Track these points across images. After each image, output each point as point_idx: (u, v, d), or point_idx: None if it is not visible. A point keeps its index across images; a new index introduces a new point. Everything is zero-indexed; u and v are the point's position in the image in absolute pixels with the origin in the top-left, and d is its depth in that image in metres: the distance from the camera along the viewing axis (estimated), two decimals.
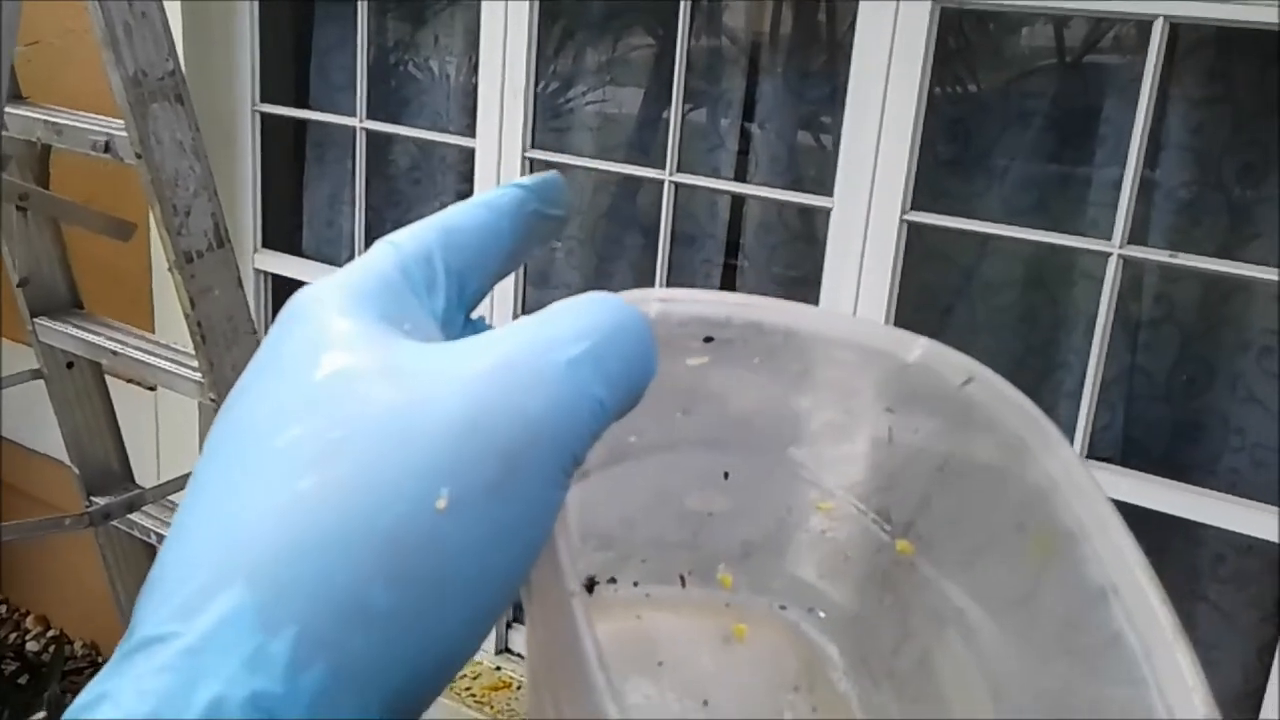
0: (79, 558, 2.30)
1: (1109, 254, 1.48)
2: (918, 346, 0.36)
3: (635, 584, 0.39)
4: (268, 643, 0.22)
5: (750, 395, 0.37)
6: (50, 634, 2.64)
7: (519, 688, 2.02)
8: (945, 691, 0.38)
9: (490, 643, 2.07)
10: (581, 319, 0.26)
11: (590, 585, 0.38)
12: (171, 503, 1.73)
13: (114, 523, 1.70)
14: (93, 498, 1.74)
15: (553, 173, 0.32)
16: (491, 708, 1.98)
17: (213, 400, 1.47)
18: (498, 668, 2.07)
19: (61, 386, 1.75)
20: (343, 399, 0.25)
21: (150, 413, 2.32)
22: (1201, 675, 0.31)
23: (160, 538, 1.65)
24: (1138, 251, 1.48)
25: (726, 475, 0.39)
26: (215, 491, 0.24)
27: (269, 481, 0.24)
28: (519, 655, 2.10)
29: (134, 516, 1.70)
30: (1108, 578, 0.33)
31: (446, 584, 0.23)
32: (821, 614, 0.41)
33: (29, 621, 2.70)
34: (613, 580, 0.39)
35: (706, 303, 0.34)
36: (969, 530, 0.38)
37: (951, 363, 0.36)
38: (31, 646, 2.55)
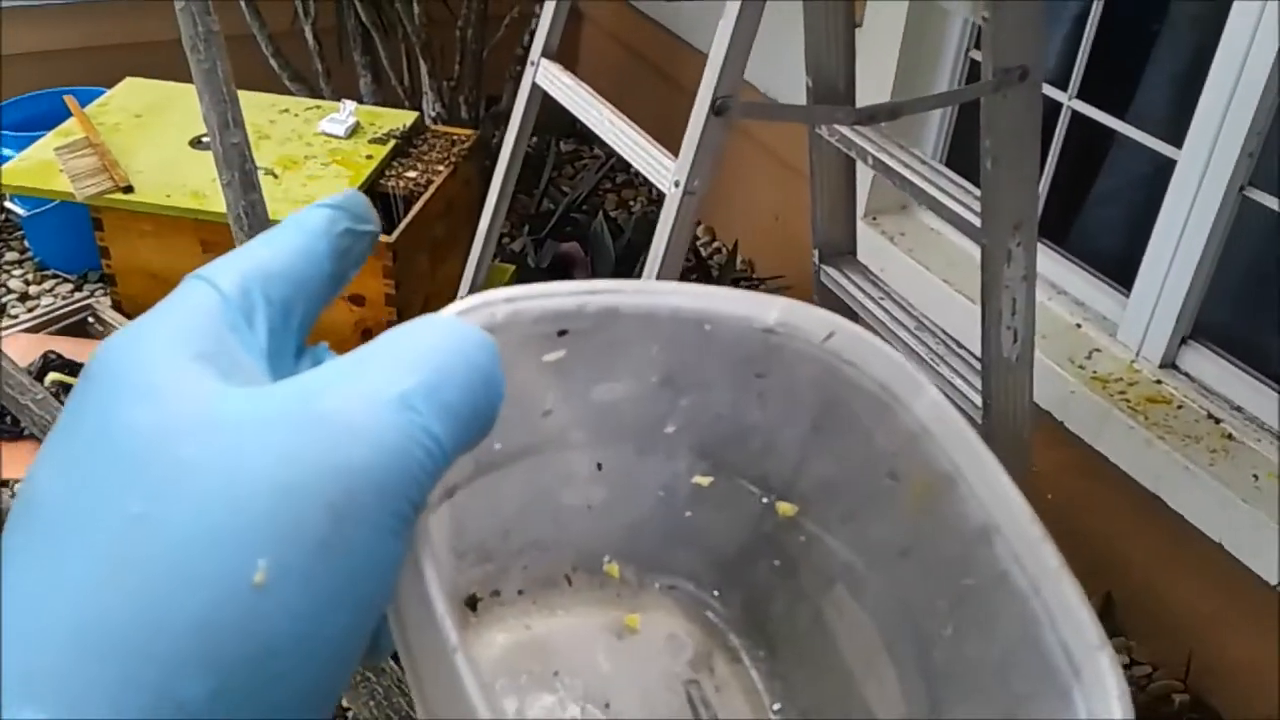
0: (749, 180, 2.42)
1: None
2: (775, 308, 0.35)
3: (520, 592, 0.38)
4: None
5: (613, 382, 0.36)
6: (715, 244, 2.76)
7: None
8: (841, 648, 0.38)
9: None
10: (409, 350, 0.24)
11: (473, 603, 0.37)
12: None
13: None
14: None
15: (352, 190, 0.30)
16: None
17: None
18: None
19: None
20: (146, 463, 0.22)
21: None
22: (1089, 605, 0.31)
23: None
24: None
25: (600, 466, 0.38)
26: (16, 576, 0.21)
27: (60, 569, 0.21)
28: None
29: None
30: (989, 517, 0.33)
31: (272, 661, 0.21)
32: (714, 591, 0.40)
33: (699, 230, 2.86)
34: (496, 593, 0.38)
35: (557, 295, 0.33)
36: (847, 484, 0.37)
37: (812, 319, 0.35)
38: (700, 252, 2.68)
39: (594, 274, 2.40)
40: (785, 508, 0.39)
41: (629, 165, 1.45)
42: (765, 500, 0.39)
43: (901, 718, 0.36)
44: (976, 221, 1.38)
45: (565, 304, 0.33)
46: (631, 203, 3.13)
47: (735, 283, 2.54)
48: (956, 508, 0.34)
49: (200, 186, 1.79)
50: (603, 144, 1.38)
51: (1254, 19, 1.68)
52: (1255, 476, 1.74)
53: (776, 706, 0.39)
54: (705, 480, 0.39)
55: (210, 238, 1.82)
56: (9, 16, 2.62)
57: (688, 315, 0.35)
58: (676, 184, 1.18)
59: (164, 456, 0.22)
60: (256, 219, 1.17)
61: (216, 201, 1.43)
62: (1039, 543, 0.32)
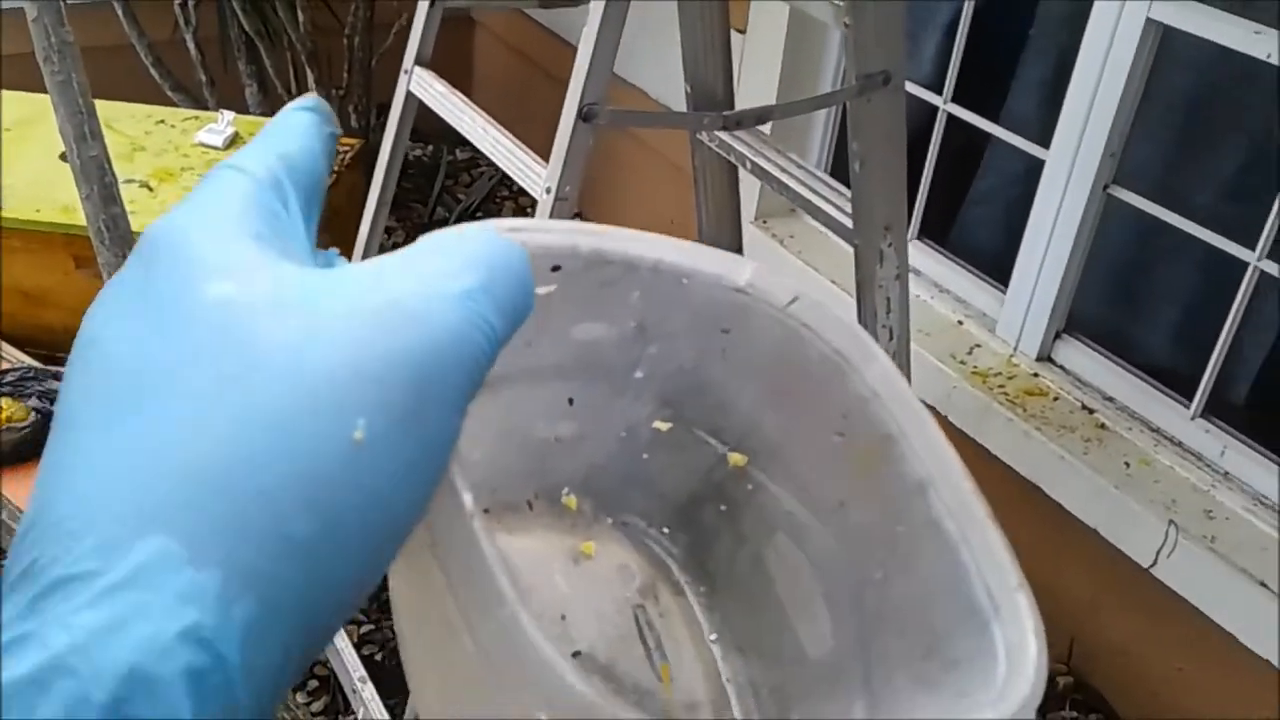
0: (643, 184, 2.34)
1: None
2: (748, 269, 0.37)
3: (486, 510, 0.40)
4: (197, 577, 0.21)
5: (593, 323, 0.37)
6: None
7: None
8: (778, 589, 0.40)
9: None
10: (469, 253, 0.26)
11: None
12: None
13: None
14: None
15: (315, 95, 0.31)
16: None
17: None
18: None
19: None
20: (234, 332, 0.24)
21: None
22: (1011, 551, 0.34)
23: None
24: None
25: (571, 402, 0.39)
26: (101, 429, 0.23)
27: (167, 416, 0.23)
28: None
29: None
30: (925, 472, 0.36)
31: (365, 511, 0.23)
32: (663, 529, 0.43)
33: None
34: None
35: (554, 232, 0.35)
36: (796, 439, 0.40)
37: (779, 284, 0.37)
38: None
39: None
40: (736, 458, 0.41)
41: None
42: (719, 449, 0.41)
43: (831, 651, 0.38)
44: (849, 223, 1.42)
45: (560, 241, 0.34)
46: (529, 209, 3.12)
47: None
48: (896, 465, 0.36)
49: (71, 201, 1.73)
50: None
51: (1111, 24, 1.75)
52: (1127, 464, 1.81)
53: (713, 636, 0.41)
54: (665, 426, 0.41)
55: (83, 253, 1.77)
56: None
57: (668, 268, 0.37)
58: (548, 190, 1.18)
59: (255, 328, 0.24)
60: (118, 233, 1.15)
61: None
62: (970, 495, 0.35)
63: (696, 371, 0.40)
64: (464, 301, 0.25)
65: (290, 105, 0.30)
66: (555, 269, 0.34)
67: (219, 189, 0.27)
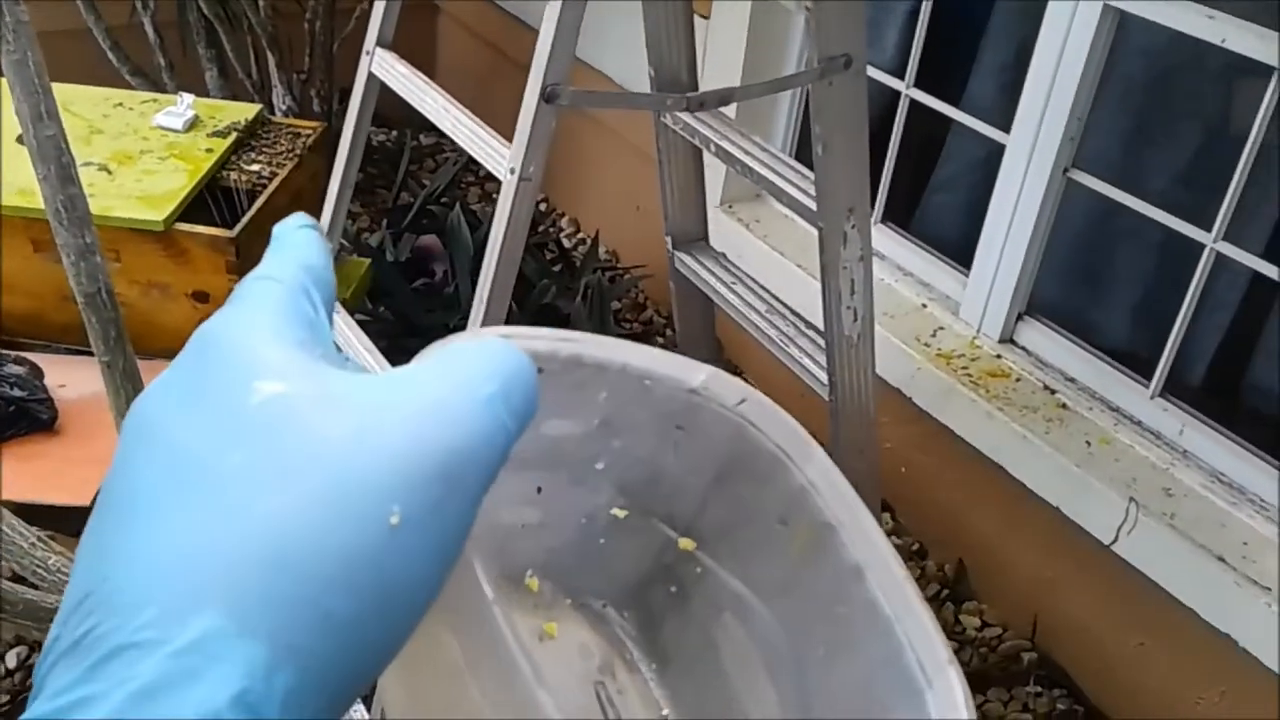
0: (610, 171, 2.68)
1: None
2: (702, 374, 0.42)
3: None
4: (246, 649, 0.24)
5: (563, 419, 0.41)
6: (579, 235, 2.98)
7: None
8: (726, 666, 0.44)
9: None
10: (490, 363, 0.29)
11: None
12: None
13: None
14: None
15: (305, 215, 0.35)
16: None
17: None
18: None
19: None
20: (286, 427, 0.26)
21: None
22: (940, 629, 0.38)
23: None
24: None
25: (539, 490, 0.43)
26: (159, 512, 0.26)
27: (224, 503, 0.25)
28: None
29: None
30: (862, 557, 0.39)
31: (395, 590, 0.26)
32: (620, 611, 0.46)
33: (563, 221, 3.06)
34: None
35: (540, 339, 0.39)
36: (742, 527, 0.44)
37: (729, 386, 0.42)
38: (564, 243, 2.90)
39: (453, 266, 2.38)
40: (686, 543, 0.44)
41: None
42: (669, 535, 0.45)
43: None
44: (813, 206, 1.42)
45: (544, 347, 0.39)
46: (495, 195, 3.11)
47: (597, 271, 2.56)
48: (835, 551, 0.40)
49: (28, 184, 1.71)
50: None
51: (1069, 10, 1.77)
52: (1088, 443, 1.84)
53: (665, 711, 0.44)
54: (621, 513, 0.45)
55: (41, 236, 1.74)
56: None
57: (634, 371, 0.41)
58: (512, 170, 1.18)
59: (305, 423, 0.27)
60: (76, 213, 1.14)
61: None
62: (902, 579, 0.39)
63: (652, 463, 0.44)
64: (487, 406, 0.28)
65: (291, 224, 0.34)
66: (539, 371, 0.38)
67: (261, 296, 0.30)
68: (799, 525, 0.41)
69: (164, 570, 0.25)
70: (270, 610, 0.24)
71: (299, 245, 0.33)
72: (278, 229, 0.34)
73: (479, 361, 0.29)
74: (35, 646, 1.86)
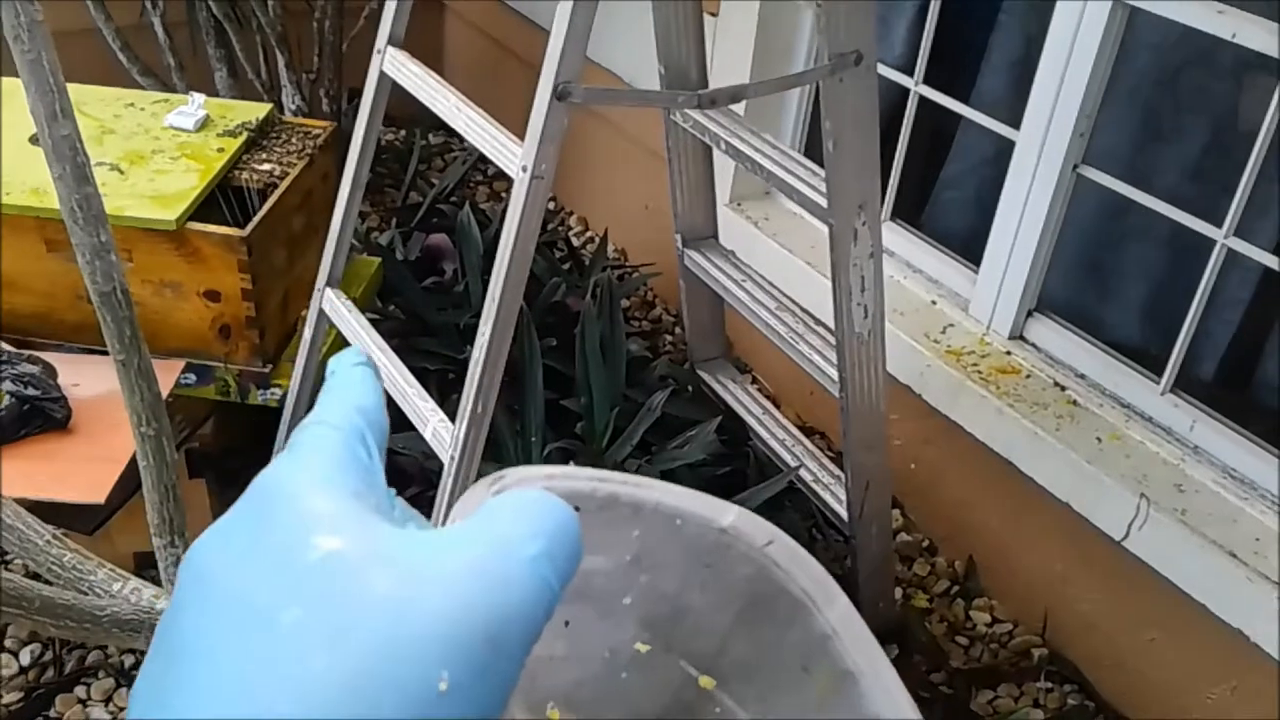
0: (619, 170, 2.70)
1: None
2: (731, 513, 0.43)
3: None
4: None
5: (595, 555, 0.41)
6: (588, 234, 3.02)
7: None
8: None
9: None
10: (534, 521, 0.30)
11: None
12: None
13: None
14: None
15: (360, 351, 0.36)
16: None
17: None
18: None
19: None
20: (342, 584, 0.27)
21: None
22: None
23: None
24: None
25: (567, 624, 0.43)
26: (215, 659, 0.27)
27: (280, 656, 0.26)
28: None
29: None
30: (882, 709, 0.40)
31: None
32: None
33: (572, 220, 3.08)
34: None
35: (578, 479, 0.41)
36: (763, 669, 0.44)
37: (757, 527, 0.43)
38: (573, 241, 2.94)
39: (463, 265, 2.38)
40: (706, 681, 0.45)
41: None
42: (690, 672, 0.45)
43: None
44: (824, 202, 1.43)
45: (582, 486, 0.40)
46: (504, 194, 3.12)
47: (606, 270, 2.56)
48: (855, 700, 0.41)
49: (42, 184, 1.72)
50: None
51: (1079, 5, 1.77)
52: (1099, 439, 1.84)
53: None
54: (645, 648, 0.45)
55: (54, 236, 1.75)
56: None
57: (666, 510, 0.42)
58: (524, 169, 1.18)
59: (359, 583, 0.27)
60: (91, 213, 1.14)
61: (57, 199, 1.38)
62: None
63: (678, 599, 0.44)
64: (533, 566, 0.29)
65: (346, 360, 0.35)
66: (576, 509, 0.38)
67: (318, 444, 0.31)
68: (820, 671, 0.42)
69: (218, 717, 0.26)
70: None
71: (353, 386, 0.34)
72: (333, 364, 0.35)
73: (524, 520, 0.30)
74: (49, 644, 1.87)
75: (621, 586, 0.44)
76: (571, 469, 0.41)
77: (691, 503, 0.43)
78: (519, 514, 0.30)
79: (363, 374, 0.34)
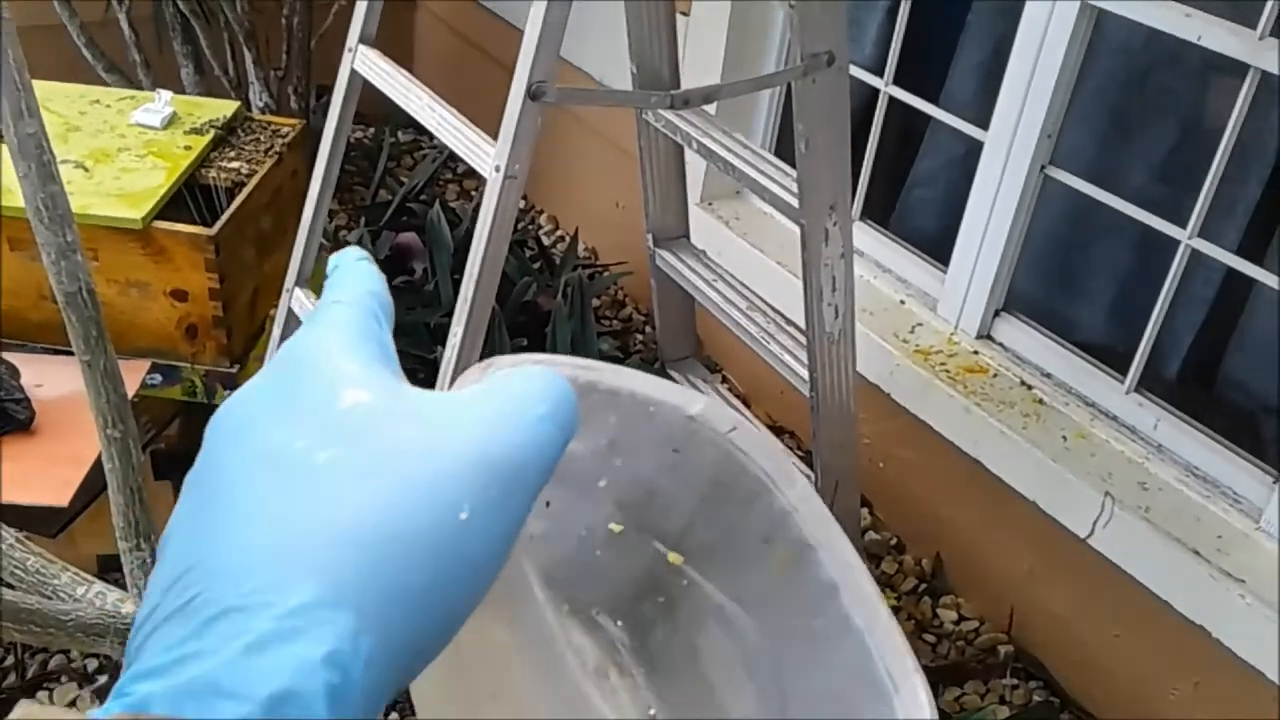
0: (589, 168, 2.74)
1: None
2: (700, 402, 0.46)
3: None
4: (337, 616, 0.28)
5: (577, 441, 0.44)
6: (558, 233, 3.04)
7: None
8: (709, 672, 0.48)
9: None
10: (541, 387, 0.34)
11: None
12: None
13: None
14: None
15: (359, 249, 0.39)
16: None
17: None
18: None
19: None
20: (370, 430, 0.31)
21: None
22: (907, 641, 0.42)
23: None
24: None
25: (548, 504, 0.46)
26: (254, 496, 0.30)
27: (317, 492, 0.29)
28: None
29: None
30: (837, 576, 0.44)
31: (463, 572, 0.30)
32: (614, 620, 0.50)
33: (542, 219, 3.10)
34: None
35: (563, 365, 0.43)
36: (727, 544, 0.48)
37: (723, 415, 0.46)
38: (544, 241, 2.97)
39: (433, 264, 2.37)
40: (674, 557, 0.49)
41: None
42: (660, 549, 0.49)
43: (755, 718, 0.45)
44: (795, 203, 1.43)
45: (565, 372, 0.43)
46: (474, 192, 3.10)
47: (577, 269, 2.56)
48: (813, 569, 0.44)
49: (5, 182, 1.70)
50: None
51: (1047, 7, 1.79)
52: (1064, 438, 1.86)
53: (653, 711, 0.48)
54: (618, 528, 0.49)
55: (17, 235, 1.73)
56: None
57: (641, 397, 0.46)
58: (497, 169, 1.18)
59: (387, 430, 0.31)
60: (57, 211, 1.12)
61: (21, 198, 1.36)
62: (873, 597, 0.43)
63: (649, 482, 0.48)
64: (539, 423, 0.33)
65: (349, 255, 0.38)
66: None
67: (338, 317, 0.35)
68: (780, 544, 0.45)
69: (266, 547, 0.29)
70: (358, 584, 0.28)
71: (361, 273, 0.37)
72: (335, 259, 0.38)
73: (531, 386, 0.34)
74: (10, 648, 1.84)
75: (598, 470, 0.47)
76: (555, 356, 0.43)
77: (663, 391, 0.46)
78: (528, 381, 0.34)
79: (368, 265, 0.37)
